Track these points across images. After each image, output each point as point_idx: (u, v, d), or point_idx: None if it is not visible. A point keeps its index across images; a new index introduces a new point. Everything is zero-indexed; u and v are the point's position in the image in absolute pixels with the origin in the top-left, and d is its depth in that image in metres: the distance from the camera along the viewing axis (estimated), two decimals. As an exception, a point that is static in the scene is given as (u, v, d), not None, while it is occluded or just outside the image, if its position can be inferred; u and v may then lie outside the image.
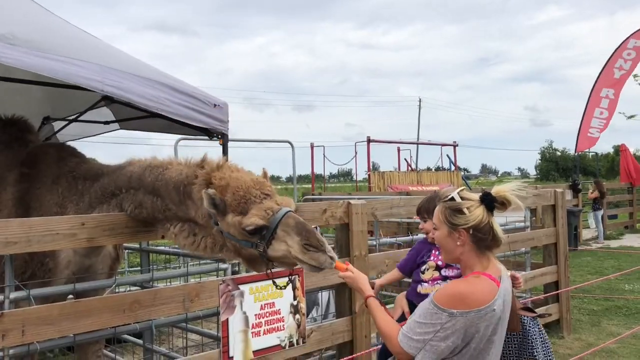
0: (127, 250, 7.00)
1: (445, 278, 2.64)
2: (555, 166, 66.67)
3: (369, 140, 13.73)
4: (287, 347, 3.78)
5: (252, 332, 3.62)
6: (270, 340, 3.71)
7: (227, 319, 3.50)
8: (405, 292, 2.96)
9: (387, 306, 2.64)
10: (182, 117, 3.65)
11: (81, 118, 5.02)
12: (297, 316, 3.87)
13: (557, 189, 6.64)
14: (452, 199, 2.30)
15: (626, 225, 18.81)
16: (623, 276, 10.58)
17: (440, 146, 15.78)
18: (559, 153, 70.31)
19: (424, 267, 2.67)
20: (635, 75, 16.75)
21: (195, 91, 3.78)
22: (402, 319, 2.66)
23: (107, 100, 4.68)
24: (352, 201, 4.23)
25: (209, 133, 3.89)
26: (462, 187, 2.43)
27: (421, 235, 6.00)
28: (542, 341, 2.47)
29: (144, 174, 3.15)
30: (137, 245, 4.83)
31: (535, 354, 2.42)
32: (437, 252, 2.66)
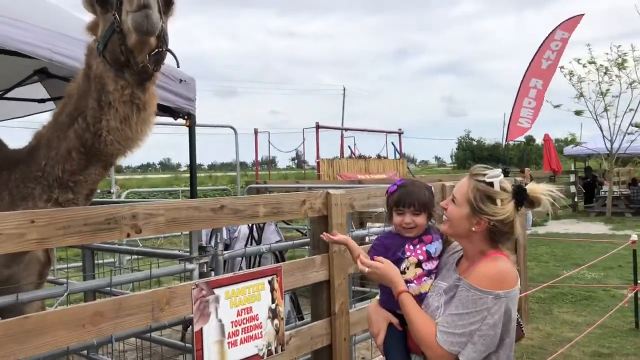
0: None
1: (429, 272, 2.31)
2: (471, 155, 69.33)
3: (317, 127, 13.30)
4: (265, 357, 3.35)
5: (229, 342, 3.16)
6: (248, 349, 3.26)
7: (201, 328, 3.02)
8: (375, 303, 2.50)
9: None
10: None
11: (8, 95, 4.31)
12: (276, 321, 3.44)
13: (518, 178, 6.54)
14: (491, 184, 2.09)
15: (547, 212, 19.52)
16: (559, 262, 10.89)
17: (385, 134, 15.63)
18: (474, 142, 73.09)
19: (403, 267, 2.29)
20: (561, 67, 17.33)
21: (158, 64, 3.23)
22: (395, 334, 2.30)
23: (42, 74, 4.04)
24: (331, 191, 3.83)
25: (173, 113, 3.36)
26: (500, 173, 2.17)
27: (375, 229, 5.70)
28: None
29: (58, 121, 2.89)
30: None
31: (518, 317, 2.30)
32: (411, 247, 2.31)
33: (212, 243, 5.97)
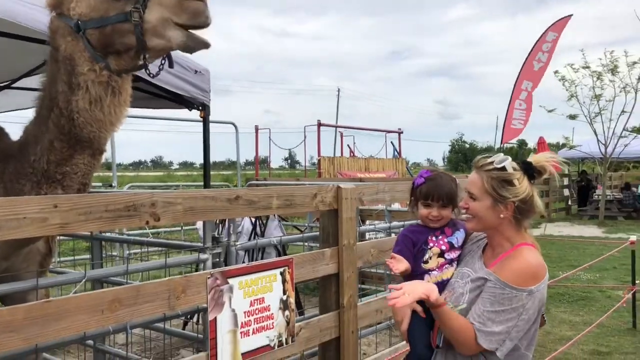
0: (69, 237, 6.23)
1: (451, 261, 2.35)
2: (464, 158, 69.63)
3: (319, 125, 13.38)
4: (276, 347, 3.37)
5: (241, 332, 3.17)
6: (260, 340, 3.28)
7: (215, 317, 3.03)
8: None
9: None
10: (162, 82, 3.10)
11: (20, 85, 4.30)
12: (287, 312, 3.46)
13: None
14: (504, 168, 2.13)
15: (542, 215, 19.69)
16: (554, 263, 10.97)
17: (385, 133, 15.73)
18: (467, 145, 73.42)
19: (426, 257, 2.33)
20: (556, 72, 17.48)
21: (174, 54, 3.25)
22: (419, 321, 2.32)
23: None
24: (341, 185, 3.85)
25: (188, 104, 3.36)
26: (503, 155, 2.20)
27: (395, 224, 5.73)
28: None
29: (40, 116, 2.81)
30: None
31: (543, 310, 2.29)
32: (434, 238, 2.35)
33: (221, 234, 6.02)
